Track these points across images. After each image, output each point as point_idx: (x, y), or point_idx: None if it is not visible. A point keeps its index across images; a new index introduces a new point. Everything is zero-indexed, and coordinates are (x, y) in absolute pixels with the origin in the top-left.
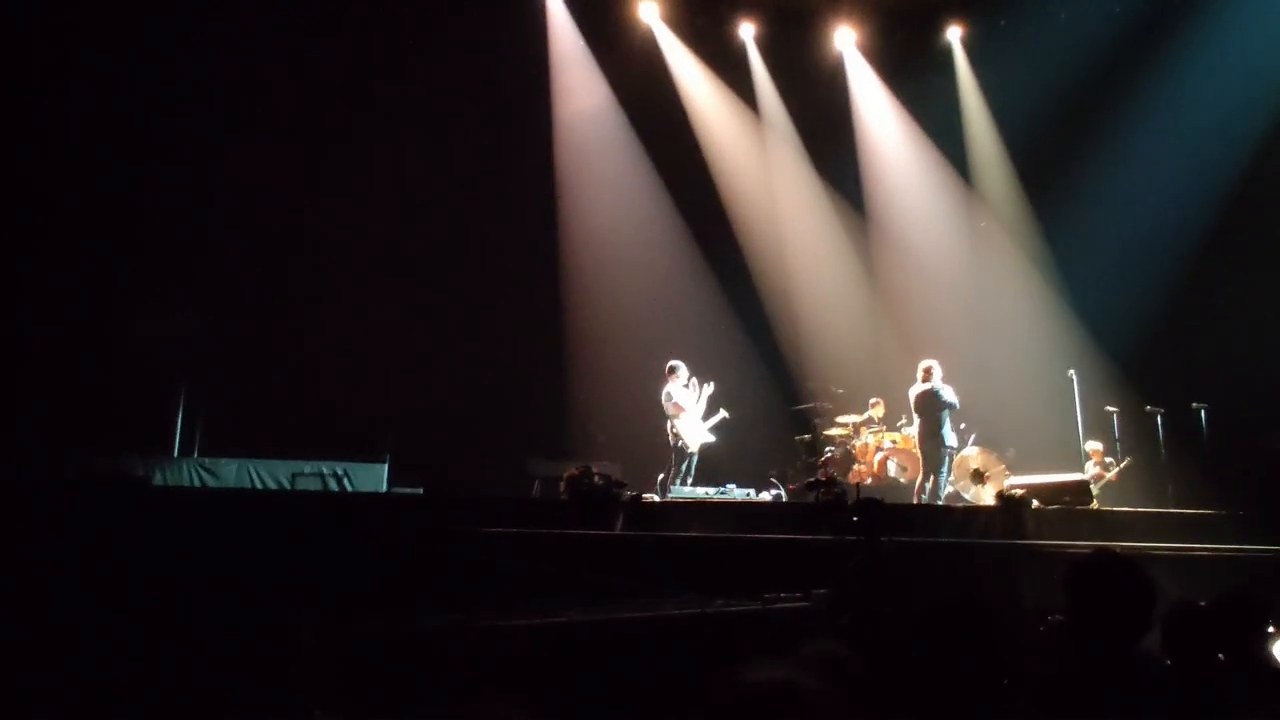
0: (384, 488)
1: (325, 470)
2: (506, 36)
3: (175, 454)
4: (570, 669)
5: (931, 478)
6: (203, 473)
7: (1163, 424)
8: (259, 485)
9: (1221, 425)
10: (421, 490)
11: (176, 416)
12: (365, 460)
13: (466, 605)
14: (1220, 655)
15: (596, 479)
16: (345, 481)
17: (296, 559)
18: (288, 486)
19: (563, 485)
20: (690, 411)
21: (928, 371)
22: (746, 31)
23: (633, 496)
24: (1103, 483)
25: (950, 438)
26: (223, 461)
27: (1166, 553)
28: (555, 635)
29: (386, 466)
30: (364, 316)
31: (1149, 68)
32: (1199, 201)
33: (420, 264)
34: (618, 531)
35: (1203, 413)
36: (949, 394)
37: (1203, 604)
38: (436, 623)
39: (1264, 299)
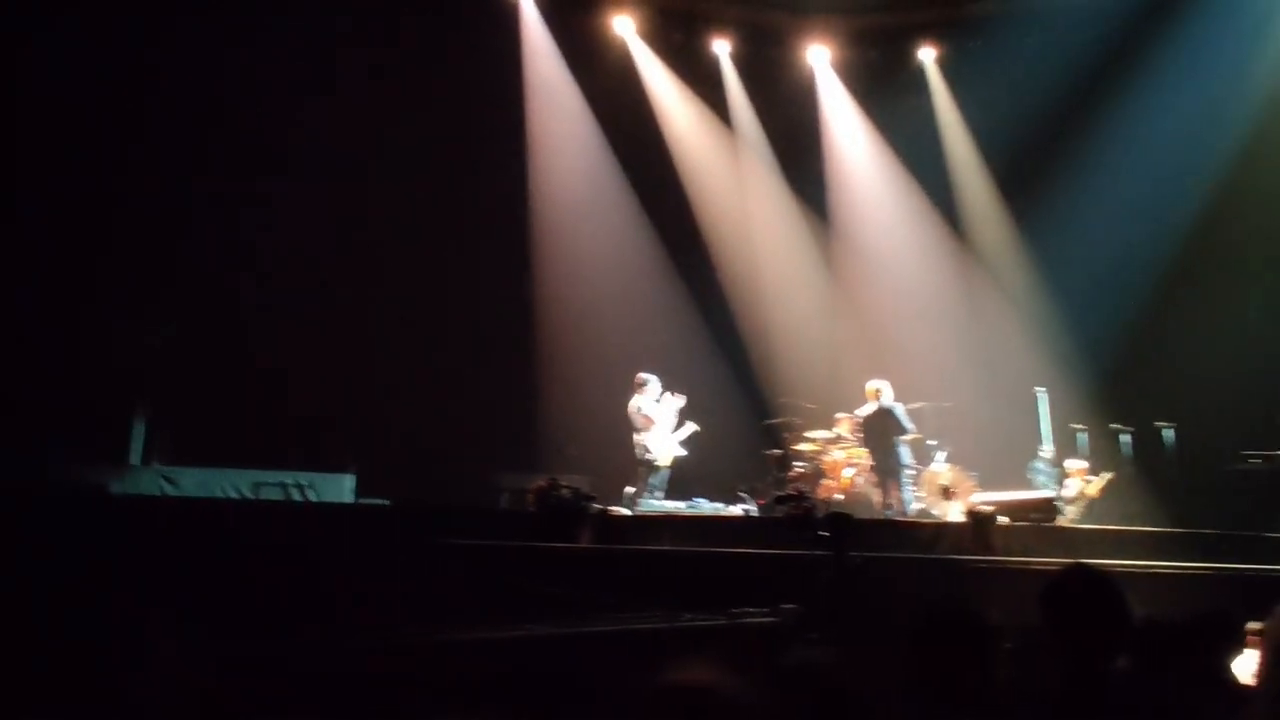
0: (350, 499)
1: (289, 481)
2: (480, 47)
3: (134, 462)
4: (535, 684)
5: (894, 493)
6: (163, 482)
7: (1129, 443)
8: (221, 495)
9: (1187, 445)
10: (388, 502)
11: (136, 425)
12: (331, 471)
13: (431, 618)
14: (1187, 672)
15: (565, 491)
16: (309, 492)
17: (258, 569)
18: (250, 496)
19: (530, 497)
20: (660, 425)
21: (877, 393)
22: (721, 48)
23: (601, 510)
24: (1085, 500)
25: (905, 455)
26: (184, 470)
27: (1131, 570)
28: (520, 649)
29: (353, 478)
30: (333, 327)
31: (1118, 94)
32: (1166, 225)
33: (391, 274)
34: (585, 545)
35: (1168, 433)
36: (901, 412)
37: (1169, 621)
38: (399, 636)
39: (1227, 322)
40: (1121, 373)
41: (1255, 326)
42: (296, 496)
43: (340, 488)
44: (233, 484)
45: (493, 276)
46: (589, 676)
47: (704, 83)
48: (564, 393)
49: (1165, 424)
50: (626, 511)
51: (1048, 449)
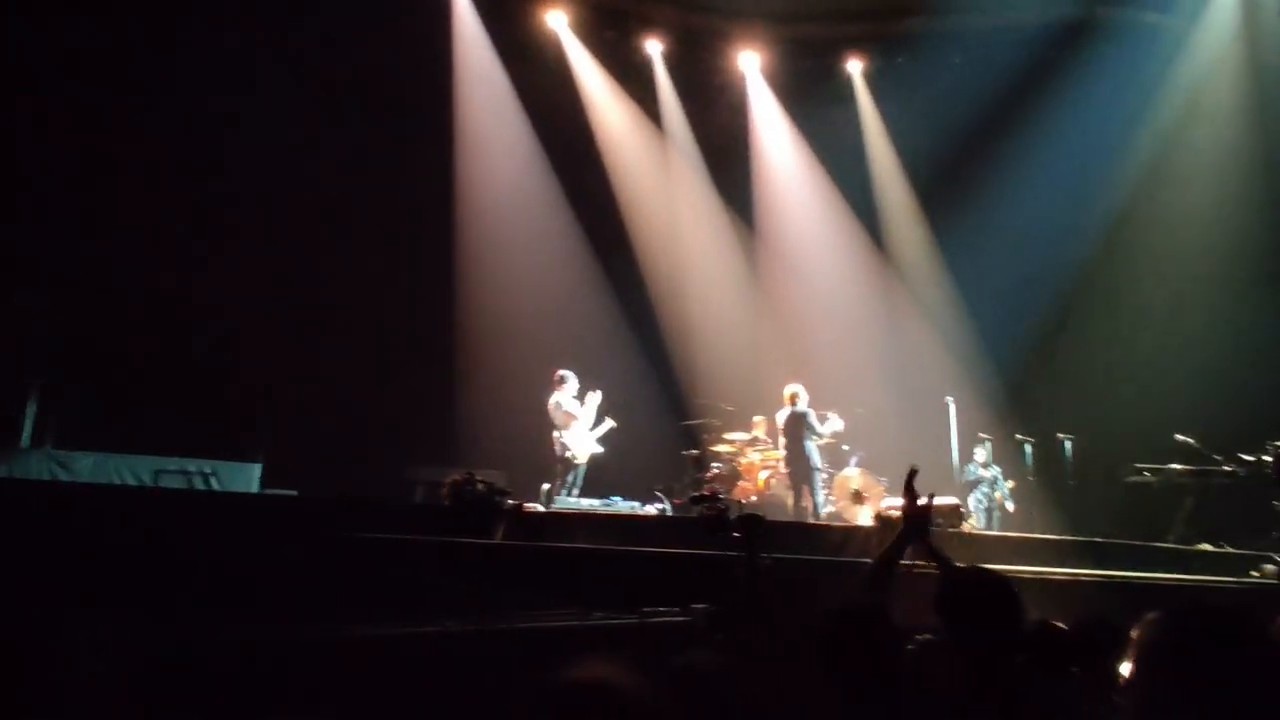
0: (255, 488)
1: (192, 468)
2: (410, 34)
3: (24, 445)
4: (441, 680)
5: (807, 497)
6: (55, 466)
7: (1031, 453)
8: (118, 481)
9: (1084, 456)
10: (296, 492)
11: (28, 407)
12: (237, 460)
13: (336, 613)
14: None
15: (480, 486)
16: (213, 481)
17: (155, 559)
18: (149, 484)
19: (445, 491)
20: (580, 422)
21: (794, 397)
22: (654, 48)
23: (515, 505)
24: (997, 507)
25: (816, 458)
26: (78, 455)
27: (1029, 575)
28: (427, 646)
29: (260, 467)
30: (245, 312)
31: (1033, 117)
32: (1071, 246)
33: (309, 261)
34: (498, 541)
35: (1067, 444)
36: (814, 418)
37: (1062, 626)
38: (302, 631)
39: (1124, 340)
40: (1026, 385)
41: (1149, 345)
42: (199, 485)
43: (246, 477)
44: (131, 470)
45: (415, 268)
46: (496, 674)
47: (636, 82)
48: (483, 387)
49: (1065, 435)
50: (541, 508)
51: (981, 452)
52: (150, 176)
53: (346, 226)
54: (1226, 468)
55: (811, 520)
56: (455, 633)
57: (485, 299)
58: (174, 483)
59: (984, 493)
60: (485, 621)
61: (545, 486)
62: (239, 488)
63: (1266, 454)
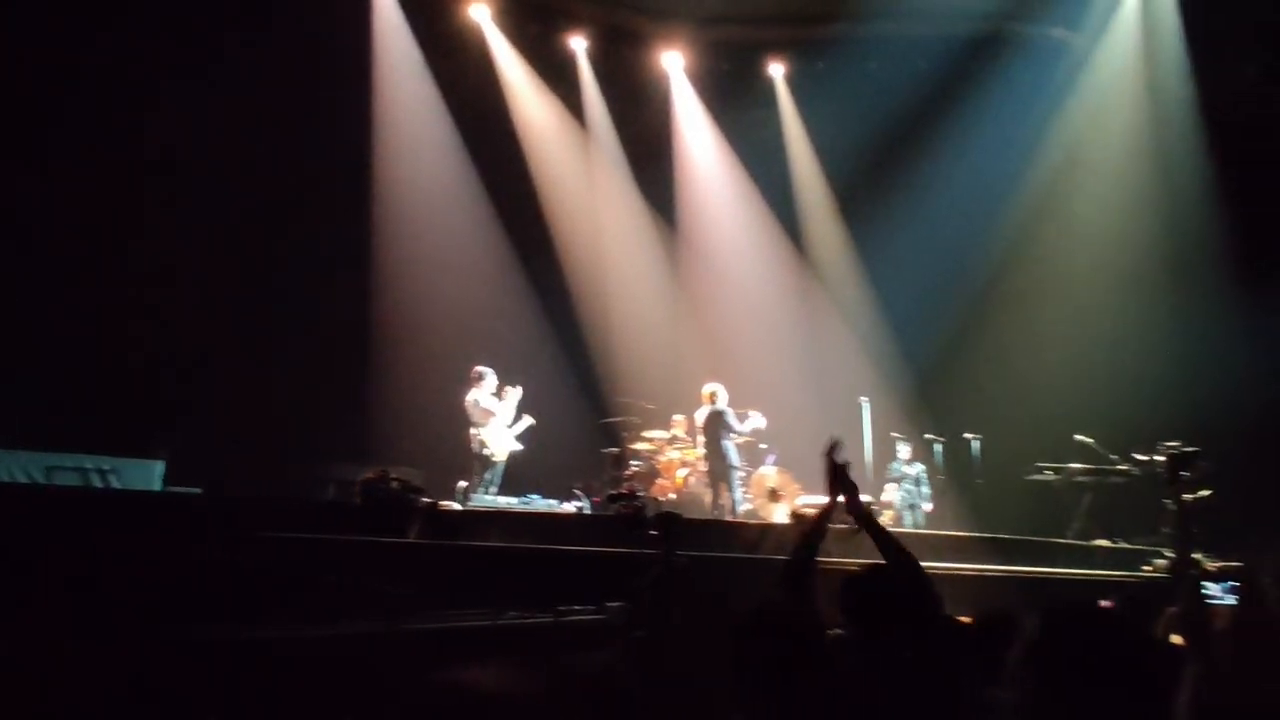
0: (158, 487)
1: (89, 465)
2: (328, 23)
3: None
4: (348, 682)
5: (725, 494)
6: None
7: (941, 452)
8: (6, 479)
9: (991, 456)
10: (200, 490)
11: None
12: (138, 457)
13: (241, 614)
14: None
15: (394, 484)
16: (111, 478)
17: (50, 560)
18: (42, 481)
19: (357, 489)
20: (498, 419)
21: (712, 396)
22: (578, 44)
23: (430, 504)
24: (924, 501)
25: (734, 456)
26: None
27: (939, 572)
28: (335, 647)
29: (162, 464)
30: (148, 303)
31: (945, 125)
32: (981, 250)
33: (216, 253)
34: (412, 539)
35: (975, 443)
36: (732, 416)
37: (964, 620)
38: (205, 634)
39: (1030, 343)
40: (937, 385)
41: (1053, 348)
42: (96, 482)
43: (148, 474)
44: (22, 467)
45: (330, 260)
46: (404, 675)
47: (559, 78)
48: (400, 383)
49: (973, 435)
50: (458, 506)
51: (905, 449)
52: (44, 161)
53: (259, 217)
54: (1122, 467)
55: (728, 518)
56: (363, 634)
57: (403, 294)
58: (69, 480)
59: (908, 489)
60: (395, 622)
61: (462, 484)
62: (140, 486)
63: (1159, 455)
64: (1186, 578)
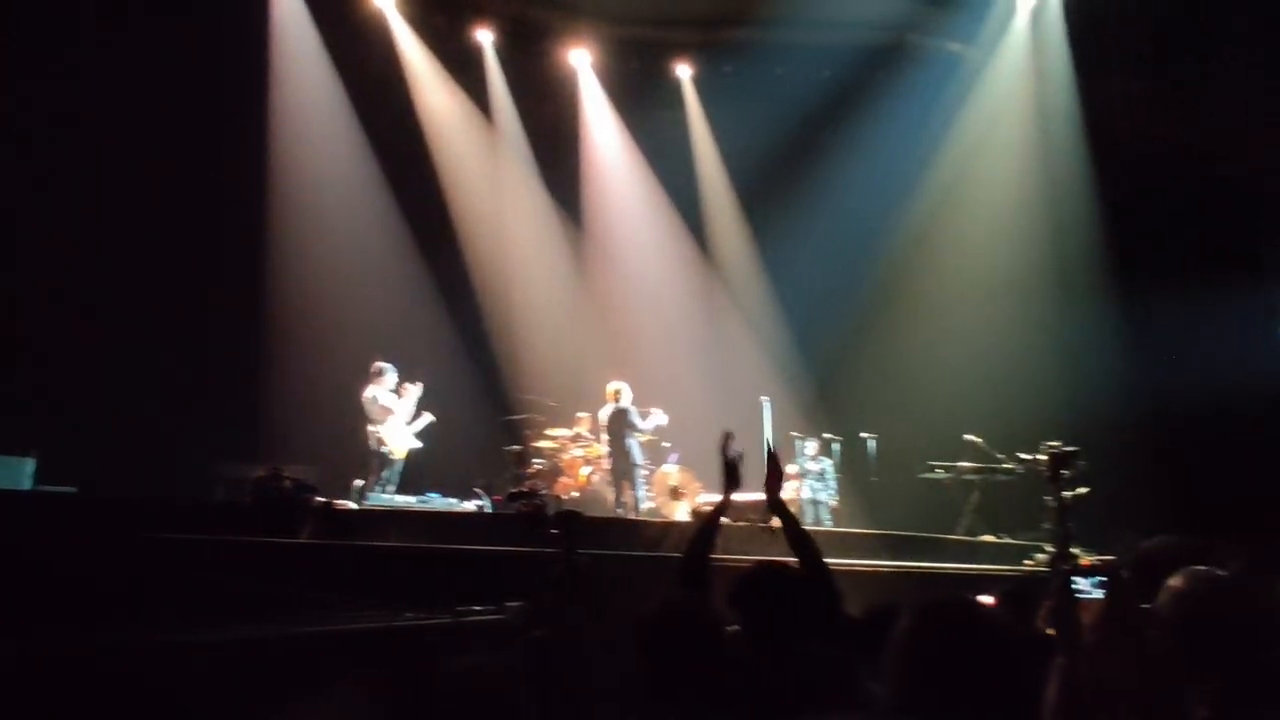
0: (27, 485)
1: None
2: (226, 5)
3: None
4: (233, 688)
5: (628, 492)
6: None
7: (838, 451)
8: None
9: (886, 454)
10: (74, 489)
11: None
12: (5, 454)
13: (120, 620)
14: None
15: (287, 483)
16: None
17: None
18: None
19: (248, 488)
20: (396, 416)
21: (616, 394)
22: (485, 37)
23: (325, 503)
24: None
25: (637, 454)
26: None
27: (834, 568)
28: (219, 653)
29: (33, 462)
30: (17, 291)
31: (848, 128)
32: (878, 250)
33: (99, 240)
34: (305, 540)
35: (871, 443)
36: (635, 415)
37: (853, 615)
38: (80, 640)
39: (923, 344)
40: (835, 385)
41: (946, 350)
42: None
43: (16, 473)
44: None
45: (220, 251)
46: (292, 680)
47: (465, 71)
48: (295, 379)
49: (869, 434)
50: (354, 505)
51: (811, 446)
52: None
53: (145, 205)
54: (1008, 466)
55: (631, 516)
56: (248, 639)
57: (300, 287)
58: None
59: (812, 485)
60: (284, 625)
61: (358, 483)
62: (7, 485)
63: (1041, 454)
64: (1057, 573)
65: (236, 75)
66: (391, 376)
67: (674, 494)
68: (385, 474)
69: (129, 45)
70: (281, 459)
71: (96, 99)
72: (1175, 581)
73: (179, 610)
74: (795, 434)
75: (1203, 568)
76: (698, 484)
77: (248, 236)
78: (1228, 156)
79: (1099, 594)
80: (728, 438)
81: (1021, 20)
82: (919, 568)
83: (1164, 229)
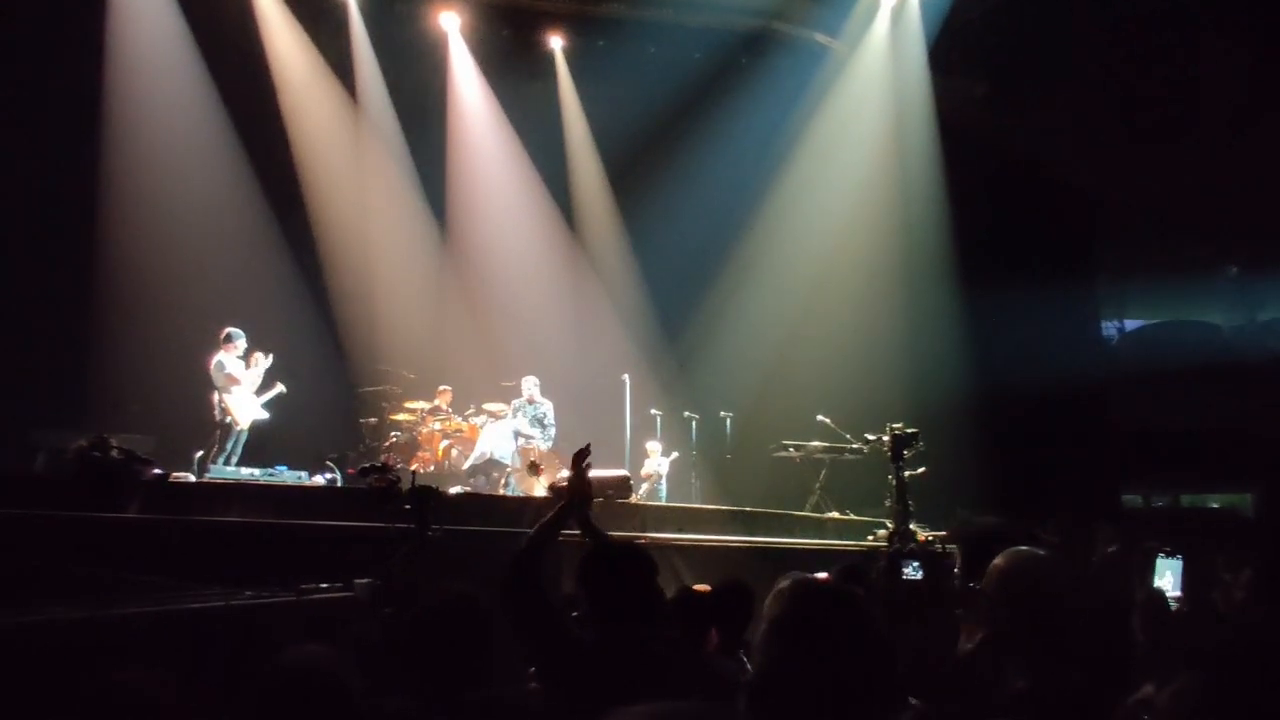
0: None
1: None
2: None
3: None
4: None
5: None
6: None
7: (695, 428)
8: None
9: (741, 432)
10: None
11: None
12: None
13: None
14: (716, 634)
15: (114, 453)
16: None
17: None
18: None
19: (72, 457)
20: (244, 385)
21: None
22: None
23: (159, 475)
24: (659, 479)
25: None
26: None
27: (687, 543)
28: (28, 637)
29: None
30: None
31: (715, 110)
32: (739, 232)
33: None
34: (133, 515)
35: (727, 420)
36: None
37: (704, 588)
38: None
39: (778, 325)
40: (694, 364)
41: (800, 332)
42: None
43: None
44: None
45: (48, 203)
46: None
47: (327, 28)
48: (131, 342)
49: (726, 413)
50: (192, 478)
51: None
52: None
53: None
54: (855, 446)
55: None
56: (62, 621)
57: (138, 247)
58: None
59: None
60: (105, 606)
61: (198, 454)
62: None
63: (885, 435)
64: (883, 555)
65: (72, 12)
66: (241, 343)
67: (533, 469)
68: (228, 444)
69: None
70: (113, 427)
71: None
72: (999, 561)
73: None
74: (654, 411)
75: (1024, 548)
76: (556, 459)
77: (80, 191)
78: (1067, 160)
79: (917, 574)
80: (583, 451)
81: (883, 18)
82: (768, 543)
83: (1006, 225)
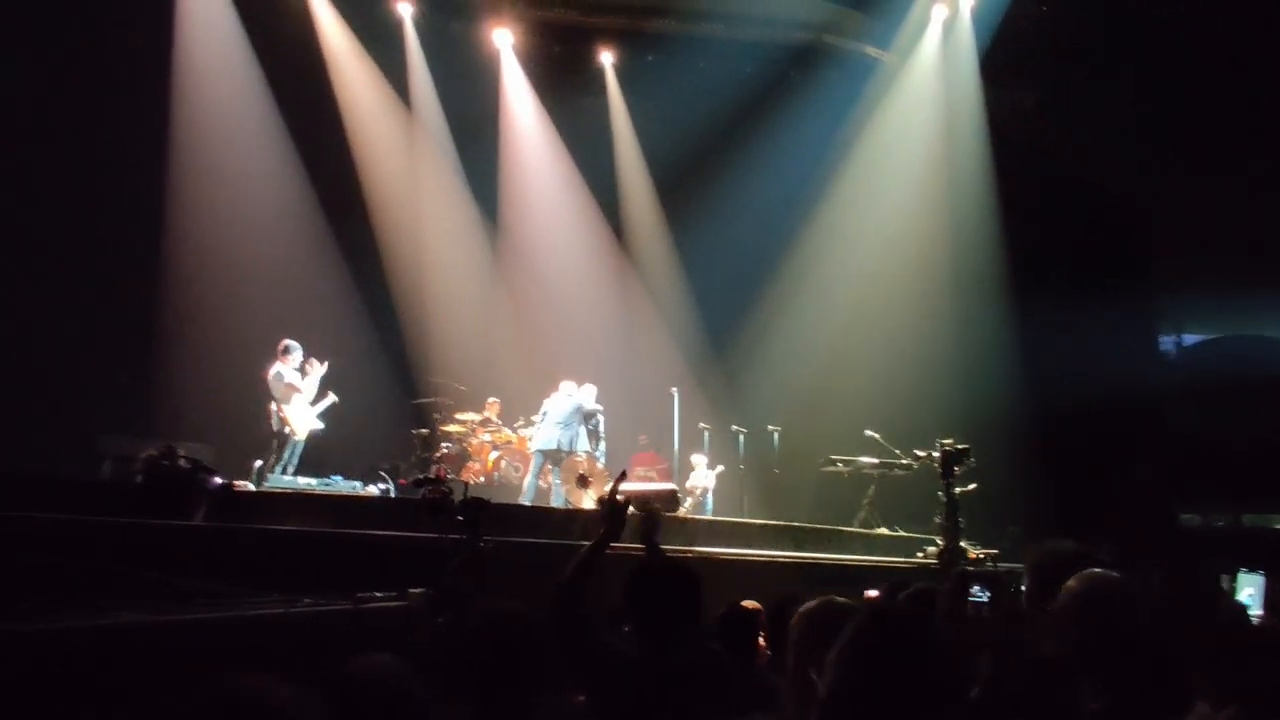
0: None
1: None
2: None
3: None
4: (120, 679)
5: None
6: None
7: (744, 443)
8: None
9: (789, 447)
10: None
11: None
12: None
13: None
14: (764, 648)
15: (181, 462)
16: None
17: None
18: None
19: (138, 467)
20: (301, 395)
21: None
22: (405, 10)
23: (222, 484)
24: (705, 493)
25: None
26: None
27: (736, 558)
28: (103, 640)
29: None
30: None
31: (765, 124)
32: (790, 246)
33: None
34: (199, 523)
35: (775, 435)
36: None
37: (752, 605)
38: None
39: (829, 340)
40: (743, 378)
41: (851, 347)
42: None
43: None
44: None
45: (116, 220)
46: (181, 670)
47: (384, 46)
48: (194, 353)
49: (774, 427)
50: (252, 487)
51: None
52: None
53: (35, 169)
54: (904, 461)
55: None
56: (134, 625)
57: (201, 259)
58: None
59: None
60: (172, 612)
61: (257, 463)
62: None
63: (935, 450)
64: (954, 577)
65: (141, 40)
66: (298, 355)
67: (581, 482)
68: (286, 454)
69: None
70: (175, 436)
71: None
72: (1073, 583)
73: (59, 596)
74: (703, 425)
75: (1097, 570)
76: (604, 472)
77: (147, 204)
78: (1122, 172)
79: (984, 597)
80: (619, 480)
81: (934, 30)
82: (816, 559)
83: (1060, 237)
